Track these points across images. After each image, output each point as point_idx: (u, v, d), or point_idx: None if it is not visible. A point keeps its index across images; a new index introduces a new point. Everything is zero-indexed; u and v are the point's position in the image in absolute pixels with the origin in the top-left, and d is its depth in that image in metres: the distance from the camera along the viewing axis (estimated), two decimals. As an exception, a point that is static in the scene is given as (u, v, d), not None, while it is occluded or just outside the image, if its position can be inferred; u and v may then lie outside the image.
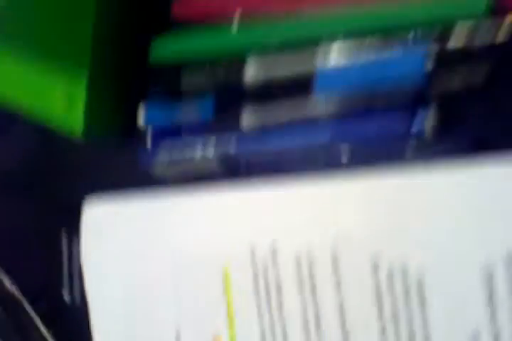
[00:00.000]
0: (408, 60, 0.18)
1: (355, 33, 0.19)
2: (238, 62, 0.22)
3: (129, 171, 0.29)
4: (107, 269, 0.28)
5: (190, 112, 0.23)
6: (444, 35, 0.17)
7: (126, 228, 0.26)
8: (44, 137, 0.32)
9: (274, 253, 0.21)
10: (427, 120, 0.18)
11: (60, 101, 0.26)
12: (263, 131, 0.22)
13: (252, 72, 0.22)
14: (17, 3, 0.21)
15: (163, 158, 0.24)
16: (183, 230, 0.23)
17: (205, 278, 0.22)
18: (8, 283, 0.37)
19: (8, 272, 0.38)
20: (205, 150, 0.23)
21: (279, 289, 0.21)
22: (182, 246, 0.23)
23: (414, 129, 0.18)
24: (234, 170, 0.22)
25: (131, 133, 0.28)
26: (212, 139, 0.23)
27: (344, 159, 0.20)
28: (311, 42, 0.20)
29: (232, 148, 0.22)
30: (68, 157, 0.32)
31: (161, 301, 0.25)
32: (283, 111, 0.22)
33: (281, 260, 0.20)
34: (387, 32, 0.18)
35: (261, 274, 0.21)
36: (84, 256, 0.29)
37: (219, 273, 0.22)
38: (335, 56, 0.19)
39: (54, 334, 0.35)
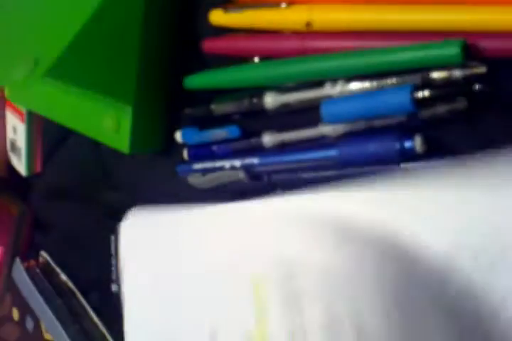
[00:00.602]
0: (398, 91, 0.22)
1: (354, 72, 0.23)
2: (259, 92, 0.27)
3: (168, 181, 0.33)
4: (144, 274, 0.30)
5: (219, 133, 0.28)
6: (426, 75, 0.22)
7: (162, 236, 0.29)
8: (96, 149, 0.37)
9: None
10: (417, 139, 0.22)
11: (110, 124, 0.31)
12: (281, 148, 0.27)
13: (270, 100, 0.26)
14: (75, 49, 0.25)
15: (197, 169, 0.29)
16: (215, 237, 0.26)
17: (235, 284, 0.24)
18: (64, 276, 0.42)
19: (65, 267, 0.42)
20: (233, 163, 0.27)
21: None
22: (214, 252, 0.26)
23: (406, 145, 0.22)
24: (257, 178, 0.27)
25: (170, 149, 0.33)
26: (239, 154, 0.27)
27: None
28: (320, 77, 0.25)
29: (255, 160, 0.26)
30: (117, 168, 0.36)
31: (195, 301, 0.26)
32: (298, 132, 0.26)
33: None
34: (380, 72, 0.22)
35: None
36: (124, 262, 0.32)
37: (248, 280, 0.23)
38: (338, 89, 0.24)
39: (103, 321, 0.40)
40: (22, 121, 0.41)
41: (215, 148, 0.29)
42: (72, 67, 0.29)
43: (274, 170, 0.27)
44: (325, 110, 0.23)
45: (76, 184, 0.40)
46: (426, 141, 0.22)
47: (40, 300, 0.40)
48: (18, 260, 0.42)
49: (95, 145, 0.38)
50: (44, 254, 0.44)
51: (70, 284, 0.42)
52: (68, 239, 0.42)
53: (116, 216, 0.37)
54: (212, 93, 0.29)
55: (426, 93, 0.22)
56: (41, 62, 0.26)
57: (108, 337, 0.40)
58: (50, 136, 0.41)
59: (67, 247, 0.42)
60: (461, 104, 0.21)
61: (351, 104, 0.22)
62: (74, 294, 0.42)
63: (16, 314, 0.43)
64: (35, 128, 0.41)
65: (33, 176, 0.43)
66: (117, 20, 0.28)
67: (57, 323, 0.39)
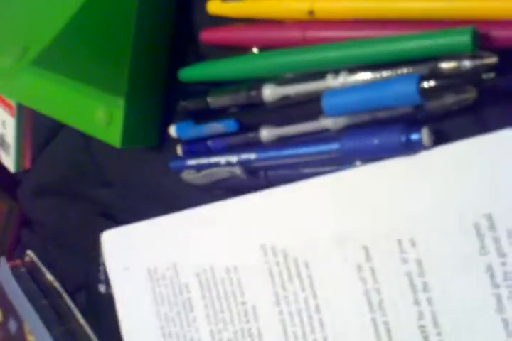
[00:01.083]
0: (404, 81, 0.21)
1: (358, 63, 0.22)
2: (258, 84, 0.25)
3: (161, 176, 0.32)
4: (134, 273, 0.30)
5: (216, 126, 0.27)
6: (434, 66, 0.20)
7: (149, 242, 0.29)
8: (87, 144, 0.36)
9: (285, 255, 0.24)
10: (424, 131, 0.21)
11: (101, 117, 0.29)
12: (280, 142, 0.26)
13: (269, 93, 0.25)
14: (65, 38, 0.24)
15: (191, 165, 0.28)
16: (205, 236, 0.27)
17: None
18: (50, 276, 0.41)
19: (51, 267, 0.41)
20: (228, 158, 0.26)
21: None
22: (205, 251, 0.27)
23: (413, 138, 0.21)
24: (254, 174, 0.26)
25: (163, 144, 0.31)
26: (236, 149, 0.26)
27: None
28: (321, 68, 0.23)
29: (252, 155, 0.25)
30: (109, 164, 0.35)
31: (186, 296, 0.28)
32: (297, 126, 0.25)
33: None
34: (385, 63, 0.21)
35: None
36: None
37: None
38: (340, 80, 0.23)
39: (90, 322, 0.39)
40: (12, 115, 0.40)
41: (210, 143, 0.28)
42: (62, 56, 0.28)
43: (272, 165, 0.26)
44: (326, 102, 0.22)
45: (66, 180, 0.38)
46: (433, 132, 0.21)
47: (25, 300, 0.39)
48: (3, 259, 0.41)
49: (86, 141, 0.37)
50: (30, 253, 0.42)
51: (57, 284, 0.41)
52: (56, 237, 0.41)
53: (107, 213, 0.36)
54: (209, 85, 0.28)
55: (433, 83, 0.20)
56: (30, 50, 0.25)
57: (94, 338, 0.38)
58: (39, 132, 0.40)
59: (55, 246, 0.41)
60: (470, 94, 0.20)
61: (354, 95, 0.21)
62: (60, 294, 0.40)
63: (-1, 315, 0.41)
64: (24, 122, 0.40)
65: (21, 172, 0.42)
66: (110, 9, 0.27)
67: (41, 325, 0.38)
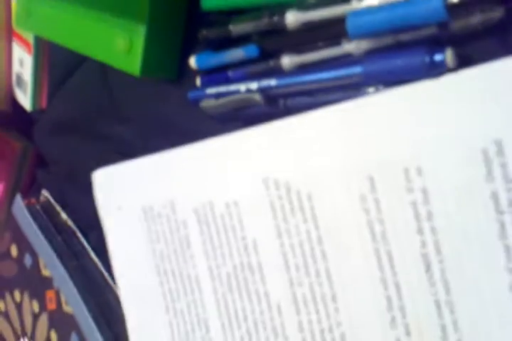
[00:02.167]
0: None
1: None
2: (280, 9, 0.25)
3: (179, 111, 0.32)
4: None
5: (236, 53, 0.27)
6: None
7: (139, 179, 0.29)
8: (105, 81, 0.36)
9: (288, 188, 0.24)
10: (448, 52, 0.21)
11: (121, 45, 0.29)
12: (301, 68, 0.26)
13: (292, 18, 0.25)
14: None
15: (210, 93, 0.28)
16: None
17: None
18: (64, 215, 0.41)
19: (66, 206, 0.42)
20: (248, 85, 0.26)
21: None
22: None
23: (437, 59, 0.21)
24: (273, 102, 0.26)
25: (183, 78, 0.31)
26: (256, 75, 0.26)
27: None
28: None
29: (272, 81, 0.25)
30: (126, 100, 0.35)
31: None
32: (320, 51, 0.25)
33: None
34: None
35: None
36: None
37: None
38: (365, 2, 0.22)
39: (102, 261, 0.40)
40: (29, 52, 0.40)
41: (230, 73, 0.28)
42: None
43: (293, 92, 0.25)
44: (351, 22, 0.22)
45: (82, 118, 0.38)
46: (457, 55, 0.21)
47: (40, 236, 0.40)
48: (19, 196, 0.42)
49: (103, 78, 0.37)
50: (45, 193, 0.43)
51: (71, 223, 0.41)
52: (71, 176, 0.41)
53: (123, 151, 0.37)
54: (231, 14, 0.28)
55: None
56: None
57: (107, 276, 0.39)
58: (56, 70, 0.40)
59: (70, 185, 0.41)
60: (496, 13, 0.20)
61: (380, 13, 0.21)
62: (74, 233, 0.41)
63: (14, 251, 0.42)
64: (42, 60, 0.40)
65: (37, 112, 0.42)
66: None
67: (56, 259, 0.38)
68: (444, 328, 0.21)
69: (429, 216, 0.21)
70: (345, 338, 0.24)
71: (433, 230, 0.21)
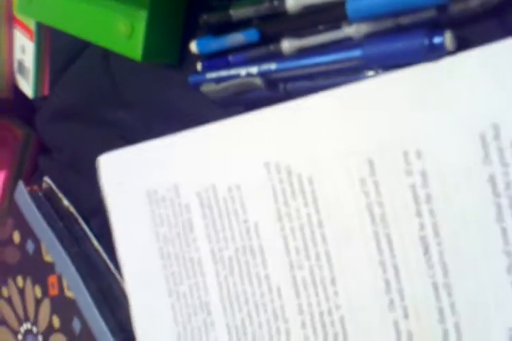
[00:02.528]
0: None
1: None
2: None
3: (180, 96, 0.32)
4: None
5: (237, 38, 0.27)
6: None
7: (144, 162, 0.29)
8: (107, 68, 0.36)
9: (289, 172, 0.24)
10: (448, 35, 0.21)
11: (123, 30, 0.29)
12: (301, 52, 0.26)
13: (292, 2, 0.25)
14: None
15: (211, 77, 0.28)
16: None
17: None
18: (66, 202, 0.42)
19: (68, 193, 0.42)
20: (249, 69, 0.26)
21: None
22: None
23: (436, 41, 0.21)
24: (273, 86, 0.26)
25: (183, 62, 0.31)
26: (256, 59, 0.26)
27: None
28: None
29: (273, 65, 0.25)
30: (129, 86, 0.35)
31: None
32: (320, 35, 0.25)
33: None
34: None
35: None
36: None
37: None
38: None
39: (104, 247, 0.40)
40: (31, 39, 0.40)
41: (231, 57, 0.28)
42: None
43: (292, 76, 0.26)
44: (351, 6, 0.22)
45: (85, 104, 0.39)
46: (456, 37, 0.21)
47: (42, 222, 0.40)
48: (21, 183, 0.42)
49: (106, 64, 0.37)
50: (48, 180, 0.43)
51: (73, 209, 0.42)
52: (73, 163, 0.41)
53: (126, 136, 0.37)
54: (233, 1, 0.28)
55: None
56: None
57: (108, 262, 0.39)
58: (58, 57, 0.40)
59: (72, 172, 0.42)
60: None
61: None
62: (76, 219, 0.41)
63: (16, 237, 0.42)
64: (44, 47, 0.40)
65: (39, 99, 0.43)
66: None
67: (58, 245, 0.39)
68: (441, 311, 0.21)
69: (428, 199, 0.21)
70: (344, 321, 0.24)
71: (431, 213, 0.21)
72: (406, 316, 0.22)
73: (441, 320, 0.21)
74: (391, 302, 0.23)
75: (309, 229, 0.24)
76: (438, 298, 0.21)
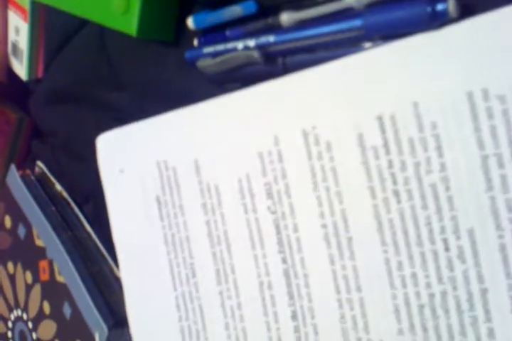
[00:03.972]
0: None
1: None
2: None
3: (177, 75, 0.32)
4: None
5: (234, 10, 0.26)
6: None
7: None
8: (102, 48, 0.35)
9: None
10: (451, 1, 0.20)
11: (118, 5, 0.29)
12: (300, 24, 0.25)
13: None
14: None
15: (208, 52, 0.27)
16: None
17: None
18: (59, 187, 0.41)
19: (61, 178, 0.41)
20: (246, 43, 0.25)
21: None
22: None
23: (439, 8, 0.20)
24: (271, 60, 0.25)
25: (179, 40, 0.31)
26: (254, 33, 0.26)
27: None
28: None
29: (271, 38, 0.25)
30: (124, 67, 0.34)
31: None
32: (319, 8, 0.24)
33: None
34: None
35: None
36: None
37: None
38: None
39: (96, 232, 0.39)
40: (25, 20, 0.40)
41: (228, 32, 0.27)
42: None
43: (291, 49, 0.25)
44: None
45: (79, 86, 0.38)
46: (459, 4, 0.21)
47: (34, 206, 0.39)
48: (13, 167, 0.41)
49: (101, 44, 0.36)
50: (40, 164, 0.43)
51: (65, 194, 0.41)
52: (67, 146, 0.41)
53: (121, 118, 0.36)
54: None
55: None
56: None
57: (101, 246, 0.39)
58: (53, 38, 0.40)
59: (65, 156, 0.41)
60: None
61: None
62: (68, 204, 0.40)
63: (8, 222, 0.42)
64: (38, 27, 0.40)
65: (33, 82, 0.42)
66: None
67: (50, 229, 0.38)
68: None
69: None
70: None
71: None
72: None
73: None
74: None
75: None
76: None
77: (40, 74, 0.41)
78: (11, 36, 0.42)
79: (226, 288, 0.26)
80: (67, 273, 0.37)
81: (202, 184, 0.26)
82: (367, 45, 0.23)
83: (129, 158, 0.29)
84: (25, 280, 0.40)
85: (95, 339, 0.34)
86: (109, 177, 0.31)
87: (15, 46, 0.41)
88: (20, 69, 0.41)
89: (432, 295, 0.21)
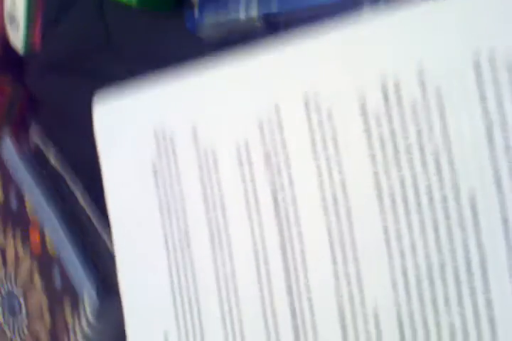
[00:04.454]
0: None
1: None
2: None
3: (177, 45, 0.31)
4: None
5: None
6: None
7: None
8: (101, 19, 0.35)
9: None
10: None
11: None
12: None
13: None
14: None
15: (209, 21, 0.27)
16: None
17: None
18: (54, 158, 0.41)
19: (57, 151, 0.41)
20: (248, 11, 0.25)
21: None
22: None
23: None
24: (275, 27, 0.25)
25: (182, 7, 0.30)
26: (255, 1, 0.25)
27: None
28: None
29: (273, 7, 0.24)
30: (124, 38, 0.34)
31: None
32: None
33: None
34: None
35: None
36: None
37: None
38: None
39: (90, 205, 0.39)
40: (23, -11, 0.39)
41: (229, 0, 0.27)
42: None
43: (295, 18, 0.25)
44: None
45: (77, 56, 0.37)
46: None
47: (28, 177, 0.39)
48: (8, 139, 0.41)
49: (100, 15, 0.36)
50: (35, 136, 0.42)
51: (60, 166, 0.41)
52: (63, 119, 0.40)
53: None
54: None
55: None
56: None
57: (95, 220, 0.38)
58: (51, 7, 0.39)
59: (62, 128, 0.41)
60: None
61: None
62: (63, 176, 0.40)
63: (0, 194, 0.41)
64: (36, -3, 0.39)
65: (30, 54, 0.41)
66: None
67: (43, 201, 0.38)
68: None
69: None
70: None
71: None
72: None
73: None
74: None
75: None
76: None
77: (37, 44, 0.40)
78: (8, 6, 0.41)
79: (220, 256, 0.25)
80: (59, 245, 0.36)
81: (199, 151, 0.26)
82: (370, 9, 0.22)
83: (125, 125, 0.29)
84: (17, 253, 0.40)
85: (85, 308, 0.34)
86: (105, 146, 0.30)
87: (12, 16, 0.41)
88: (17, 40, 0.41)
89: (430, 266, 0.21)
